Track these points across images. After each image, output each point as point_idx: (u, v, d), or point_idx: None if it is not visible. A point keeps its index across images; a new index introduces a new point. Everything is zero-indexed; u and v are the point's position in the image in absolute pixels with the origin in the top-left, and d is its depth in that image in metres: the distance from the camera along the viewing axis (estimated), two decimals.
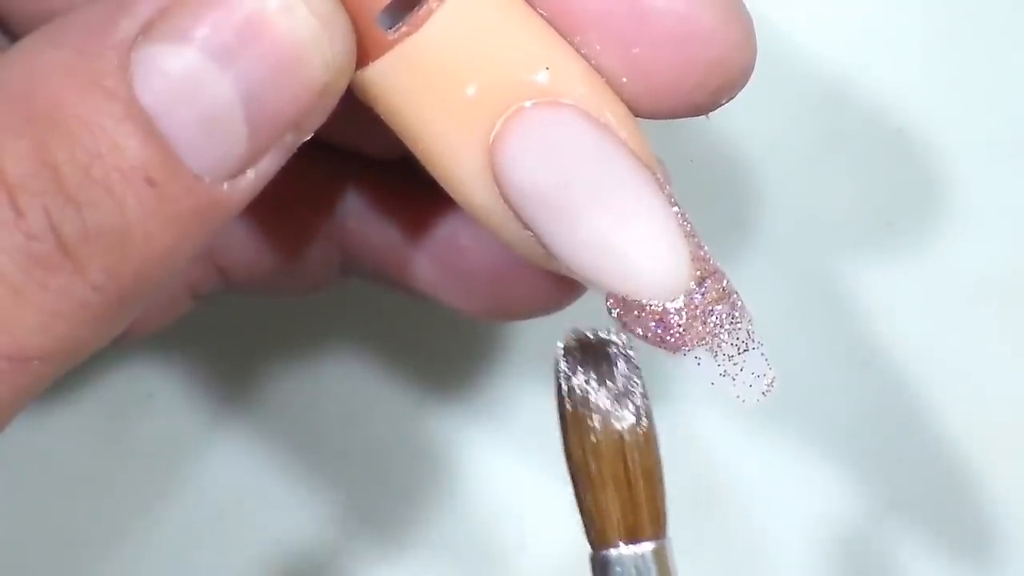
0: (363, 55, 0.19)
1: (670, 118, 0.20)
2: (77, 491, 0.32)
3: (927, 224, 0.32)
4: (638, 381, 0.20)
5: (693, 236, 0.19)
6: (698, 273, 0.19)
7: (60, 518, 0.32)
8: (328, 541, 0.32)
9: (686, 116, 0.21)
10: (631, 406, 0.20)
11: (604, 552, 0.20)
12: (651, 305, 0.19)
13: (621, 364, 0.20)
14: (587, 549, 0.20)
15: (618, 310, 0.19)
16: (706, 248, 0.19)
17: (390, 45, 0.19)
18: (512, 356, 0.32)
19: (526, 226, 0.19)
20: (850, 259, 0.32)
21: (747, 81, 0.20)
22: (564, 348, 0.20)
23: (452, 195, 0.20)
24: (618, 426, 0.20)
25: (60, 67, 0.18)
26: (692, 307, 0.19)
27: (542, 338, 0.32)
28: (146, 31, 0.18)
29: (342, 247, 0.27)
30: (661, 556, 0.20)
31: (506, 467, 0.32)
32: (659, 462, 0.20)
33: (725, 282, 0.19)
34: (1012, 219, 0.32)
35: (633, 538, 0.20)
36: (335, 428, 0.32)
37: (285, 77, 0.18)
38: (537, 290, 0.25)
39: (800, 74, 0.32)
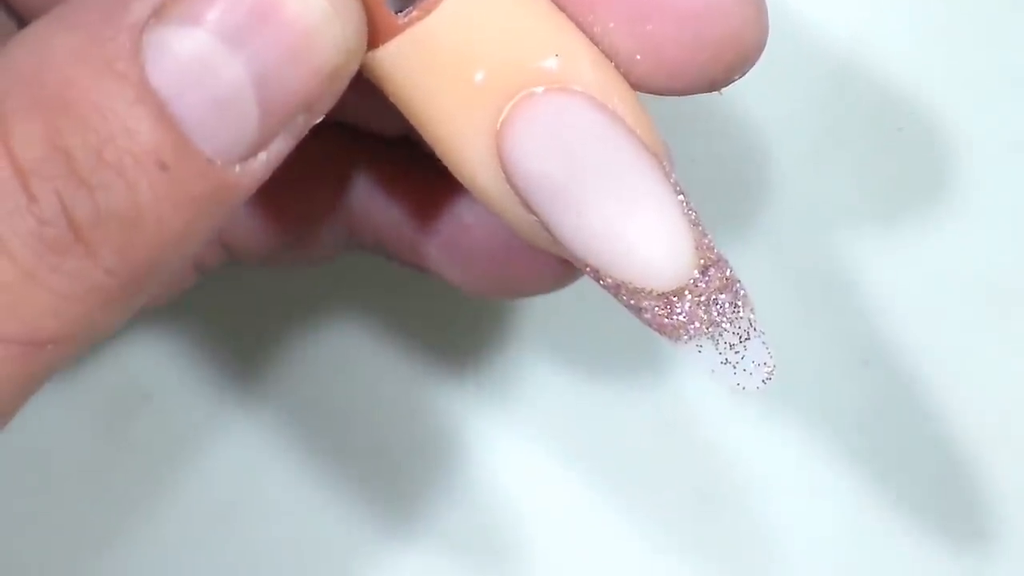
0: (373, 37, 0.20)
1: (683, 95, 0.21)
2: (76, 491, 0.32)
3: (929, 222, 0.32)
4: None
5: (697, 225, 0.19)
6: (702, 262, 0.19)
7: (59, 518, 0.32)
8: (330, 538, 0.32)
9: (699, 92, 0.21)
10: None
11: None
12: (654, 292, 0.19)
13: None
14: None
15: (623, 297, 0.19)
16: (710, 237, 0.19)
17: (400, 29, 0.19)
18: (519, 339, 0.32)
19: (531, 211, 0.20)
20: (851, 256, 0.32)
21: (759, 56, 0.20)
22: None
23: (458, 177, 0.20)
24: None
25: (71, 50, 0.18)
26: (695, 295, 0.19)
27: (549, 320, 0.32)
28: (157, 13, 0.18)
29: (348, 223, 0.27)
30: None
31: (513, 454, 0.32)
32: None
33: (728, 271, 0.19)
34: (1014, 216, 0.32)
35: None
36: (337, 424, 0.33)
37: (297, 59, 0.18)
38: (540, 269, 0.25)
39: (802, 69, 0.32)
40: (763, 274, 0.32)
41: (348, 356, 0.33)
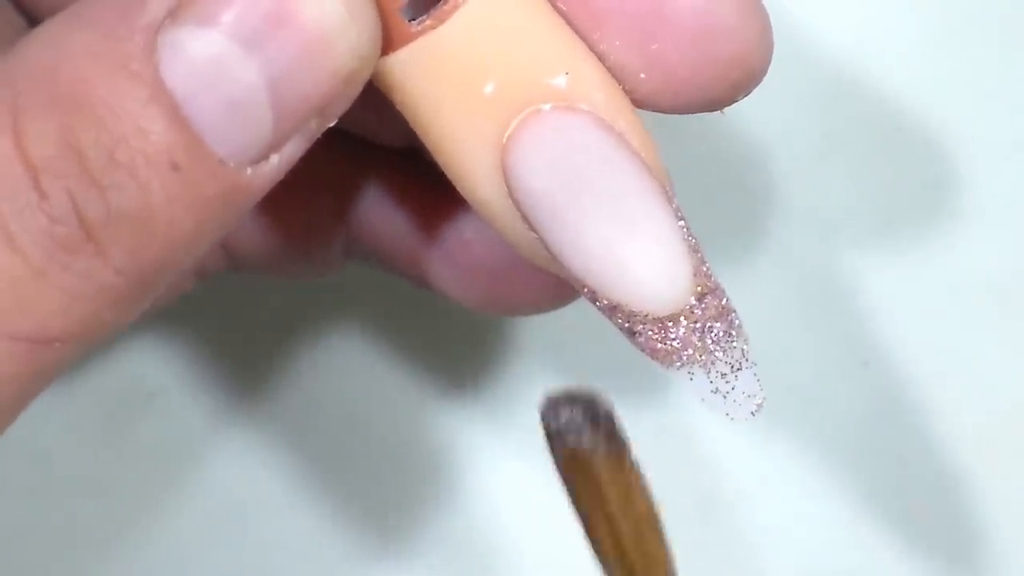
0: (385, 44, 0.20)
1: (687, 113, 0.21)
2: (77, 491, 0.32)
3: (929, 224, 0.32)
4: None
5: (696, 252, 0.19)
6: (699, 289, 0.19)
7: (60, 518, 0.32)
8: (331, 542, 0.32)
9: (703, 111, 0.21)
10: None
11: None
12: (650, 316, 0.20)
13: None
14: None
15: (618, 319, 0.20)
16: (708, 264, 0.20)
17: (412, 37, 0.20)
18: (519, 354, 0.33)
19: (531, 228, 0.20)
20: (850, 259, 0.32)
21: (764, 76, 0.21)
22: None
23: (460, 190, 0.20)
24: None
25: (86, 49, 0.18)
26: (691, 321, 0.20)
27: (549, 337, 0.32)
28: (173, 14, 0.18)
29: (350, 233, 0.27)
30: None
31: (513, 468, 0.32)
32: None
33: (724, 300, 0.20)
34: (1014, 218, 0.32)
35: None
36: (338, 428, 0.33)
37: (312, 63, 0.19)
38: (539, 287, 0.25)
39: (801, 74, 0.32)
40: (763, 276, 0.32)
41: (349, 365, 0.33)
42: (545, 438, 0.20)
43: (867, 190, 0.32)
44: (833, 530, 0.32)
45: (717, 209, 0.32)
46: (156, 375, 0.33)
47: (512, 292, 0.26)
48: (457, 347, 0.33)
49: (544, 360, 0.32)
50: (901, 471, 0.32)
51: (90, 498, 0.32)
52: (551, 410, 0.20)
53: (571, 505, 0.20)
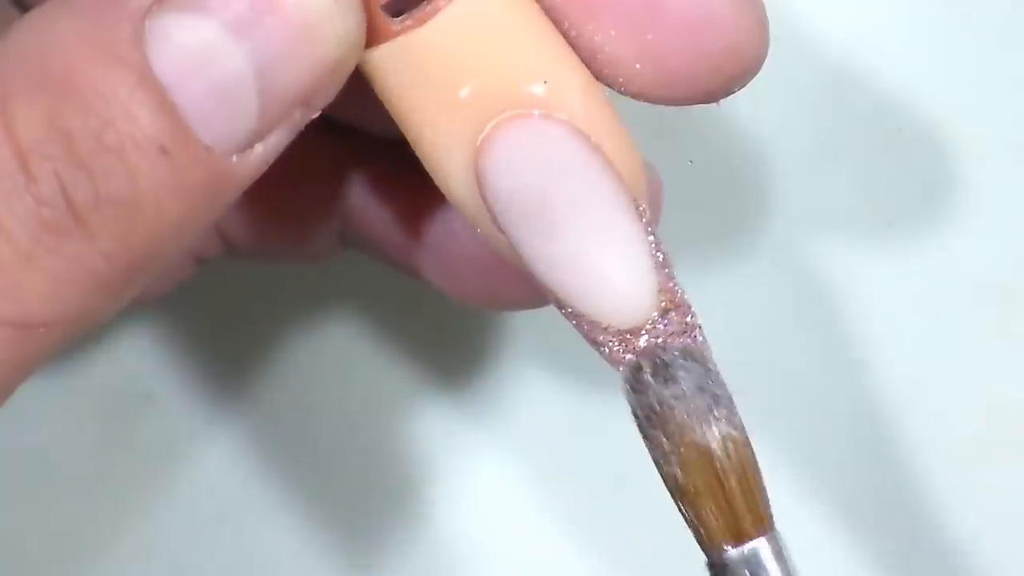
0: (368, 38, 0.20)
1: (682, 105, 0.21)
2: (74, 491, 0.32)
3: (927, 224, 0.32)
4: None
5: (664, 268, 0.20)
6: (663, 304, 0.19)
7: (58, 518, 0.32)
8: (325, 540, 0.32)
9: (698, 103, 0.21)
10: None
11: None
12: (612, 328, 0.20)
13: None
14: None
15: (582, 327, 0.20)
16: (676, 281, 0.20)
17: (393, 34, 0.20)
18: (512, 351, 0.33)
19: (500, 230, 0.20)
20: (850, 259, 0.32)
21: (759, 69, 0.21)
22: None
23: (437, 184, 0.21)
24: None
25: (75, 35, 0.18)
26: (652, 336, 0.20)
27: (542, 333, 0.32)
28: (161, 0, 0.18)
29: (343, 222, 0.27)
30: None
31: (504, 466, 0.32)
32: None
33: (690, 317, 0.20)
34: (1013, 219, 0.32)
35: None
36: (334, 429, 0.33)
37: (299, 51, 0.19)
38: (527, 282, 0.25)
39: (800, 73, 0.32)
40: (762, 275, 0.32)
41: (343, 364, 0.33)
42: (630, 396, 0.20)
43: (866, 190, 0.32)
44: (830, 529, 0.32)
45: (716, 208, 0.32)
46: (152, 375, 0.33)
47: (501, 286, 0.26)
48: (448, 344, 0.33)
49: (534, 357, 0.32)
50: (898, 470, 0.32)
51: (86, 497, 0.32)
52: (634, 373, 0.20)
53: (651, 454, 0.20)
